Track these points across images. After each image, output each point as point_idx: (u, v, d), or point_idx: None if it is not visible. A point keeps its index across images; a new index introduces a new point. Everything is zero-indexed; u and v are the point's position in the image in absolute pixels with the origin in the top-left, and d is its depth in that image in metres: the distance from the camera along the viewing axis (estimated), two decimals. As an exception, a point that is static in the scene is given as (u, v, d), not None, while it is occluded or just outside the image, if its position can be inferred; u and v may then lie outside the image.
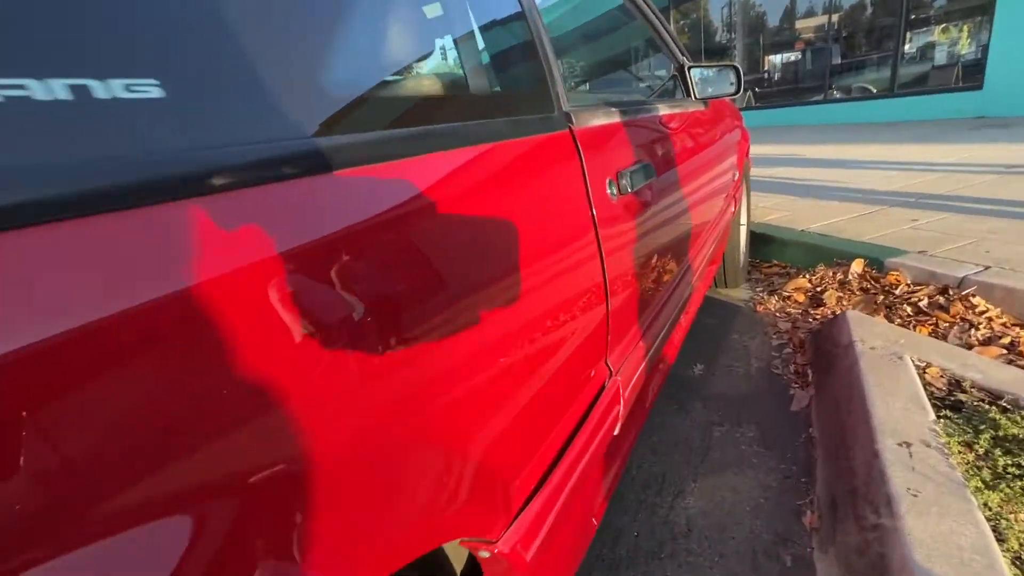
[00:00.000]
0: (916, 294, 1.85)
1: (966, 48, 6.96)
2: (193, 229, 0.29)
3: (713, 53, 10.13)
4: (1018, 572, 0.80)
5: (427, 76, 0.60)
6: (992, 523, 0.87)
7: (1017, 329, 1.58)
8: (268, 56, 0.38)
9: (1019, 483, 0.94)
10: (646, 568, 1.04)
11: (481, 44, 0.66)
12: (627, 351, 0.81)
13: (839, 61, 8.25)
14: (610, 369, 0.75)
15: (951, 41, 7.10)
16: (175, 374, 0.27)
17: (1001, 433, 1.05)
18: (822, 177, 3.83)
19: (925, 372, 1.31)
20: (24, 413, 0.22)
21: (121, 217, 0.27)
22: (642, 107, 1.10)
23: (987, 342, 1.56)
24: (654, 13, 1.53)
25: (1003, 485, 0.94)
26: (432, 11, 0.62)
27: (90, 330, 0.24)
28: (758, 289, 2.38)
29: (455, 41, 0.64)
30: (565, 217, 0.62)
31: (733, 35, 9.79)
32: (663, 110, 1.24)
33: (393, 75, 0.55)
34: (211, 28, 0.34)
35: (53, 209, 0.25)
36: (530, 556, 0.54)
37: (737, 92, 1.63)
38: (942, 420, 1.12)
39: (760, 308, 2.16)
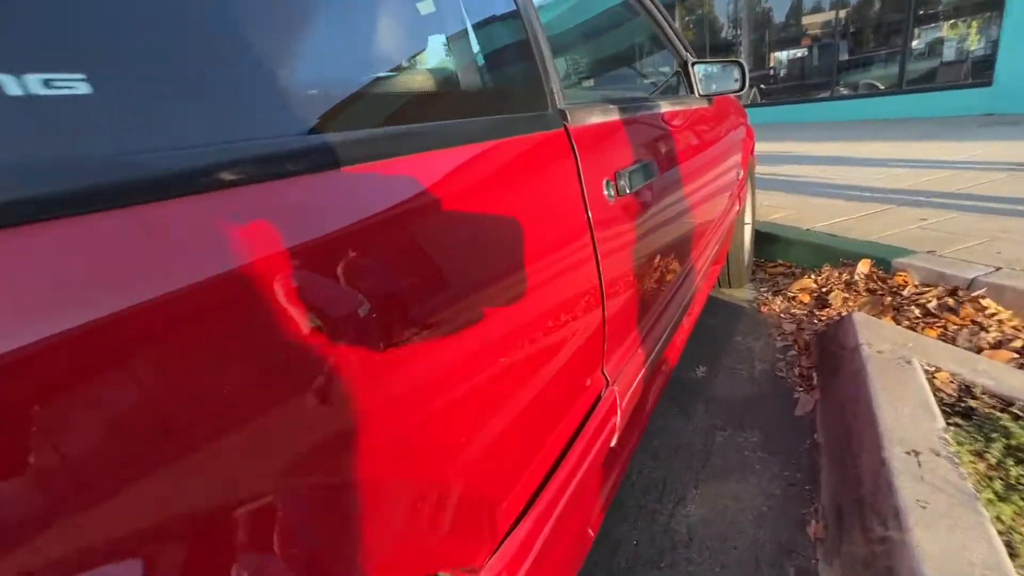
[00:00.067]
0: (924, 295, 1.81)
1: (975, 44, 6.86)
2: (185, 228, 0.29)
3: (718, 49, 10.04)
4: (1032, 589, 0.77)
5: (413, 72, 0.57)
6: (1005, 537, 0.84)
7: (1029, 332, 1.54)
8: (248, 54, 0.37)
9: (1032, 495, 0.91)
10: (645, 579, 1.02)
11: (471, 39, 0.63)
12: (625, 359, 0.78)
13: (846, 57, 8.15)
14: (607, 378, 0.72)
15: (960, 37, 7.01)
16: (174, 374, 0.27)
17: (1013, 442, 1.02)
18: (828, 175, 3.78)
19: (934, 377, 1.27)
20: (46, 412, 0.23)
21: (124, 215, 0.27)
22: (643, 104, 1.06)
23: (998, 345, 1.52)
24: (657, 8, 1.49)
25: (1016, 497, 0.91)
26: (420, 6, 0.59)
27: (92, 330, 0.24)
28: (762, 289, 2.34)
29: (443, 36, 0.61)
30: (558, 220, 0.59)
31: (739, 31, 9.70)
32: (665, 107, 1.21)
33: (375, 71, 0.52)
34: (208, 28, 0.35)
35: (57, 207, 0.25)
36: None
37: (742, 89, 1.60)
38: (952, 428, 1.09)
39: (764, 309, 2.12)
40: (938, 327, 1.66)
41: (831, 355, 1.60)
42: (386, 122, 0.47)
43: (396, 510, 0.42)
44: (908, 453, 1.02)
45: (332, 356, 0.35)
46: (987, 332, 1.57)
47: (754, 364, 1.75)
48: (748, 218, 2.45)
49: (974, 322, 1.63)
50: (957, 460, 0.99)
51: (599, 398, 0.70)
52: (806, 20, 8.75)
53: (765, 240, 2.63)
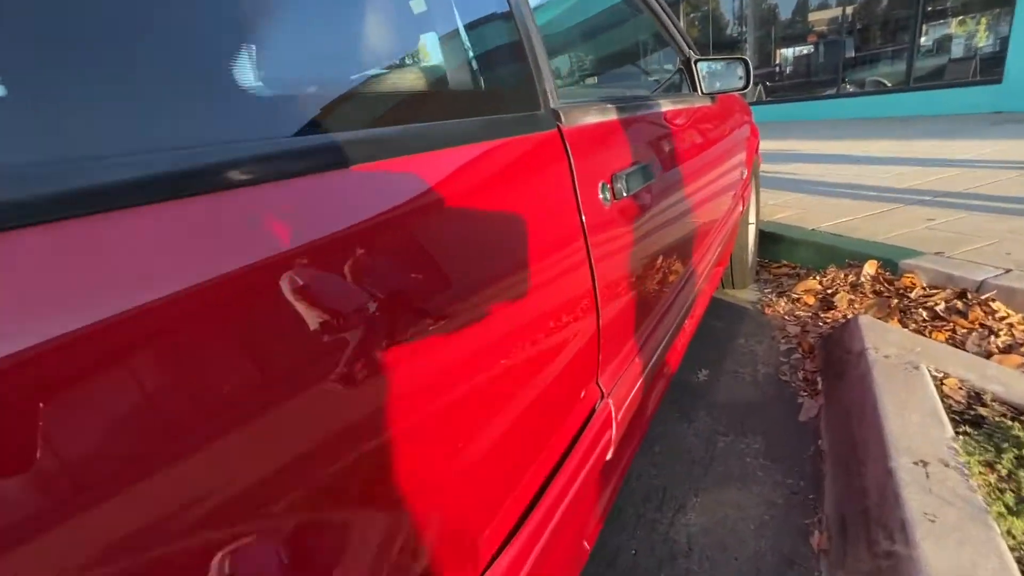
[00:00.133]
0: (932, 298, 1.77)
1: (984, 40, 6.77)
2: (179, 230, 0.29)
3: (723, 46, 9.96)
4: (1045, 609, 0.74)
5: (398, 72, 0.55)
6: (1016, 554, 0.81)
7: (1040, 336, 1.50)
8: (229, 55, 0.37)
9: (1045, 508, 0.88)
10: (643, 590, 0.99)
11: (459, 36, 0.60)
12: (621, 369, 0.75)
13: (853, 54, 8.06)
14: (601, 390, 0.69)
15: (969, 33, 6.92)
16: (177, 374, 0.27)
17: (1025, 452, 0.99)
18: (834, 174, 3.73)
19: (943, 383, 1.24)
20: (56, 414, 0.23)
21: (125, 215, 0.27)
22: (644, 103, 1.03)
23: (1008, 350, 1.49)
24: (660, 5, 1.46)
25: (1028, 510, 0.88)
26: (408, 3, 0.56)
27: (97, 331, 0.24)
28: (766, 290, 2.31)
29: (430, 34, 0.58)
30: (549, 226, 0.56)
31: (744, 28, 9.62)
32: (667, 106, 1.17)
33: (357, 70, 0.50)
34: (202, 28, 0.35)
35: (60, 206, 0.25)
36: None
37: (746, 87, 1.56)
38: (961, 437, 1.05)
39: (768, 310, 2.09)
40: (946, 330, 1.62)
41: (836, 359, 1.56)
42: (366, 124, 0.44)
43: (383, 527, 0.40)
44: (916, 463, 0.99)
45: (314, 367, 0.33)
46: (997, 336, 1.53)
47: (757, 367, 1.72)
48: (752, 218, 2.41)
49: (983, 325, 1.59)
50: (967, 471, 0.96)
51: (593, 411, 0.67)
52: (812, 17, 8.67)
53: (769, 240, 2.59)
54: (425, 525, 0.44)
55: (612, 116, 0.80)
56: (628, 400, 0.75)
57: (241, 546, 0.29)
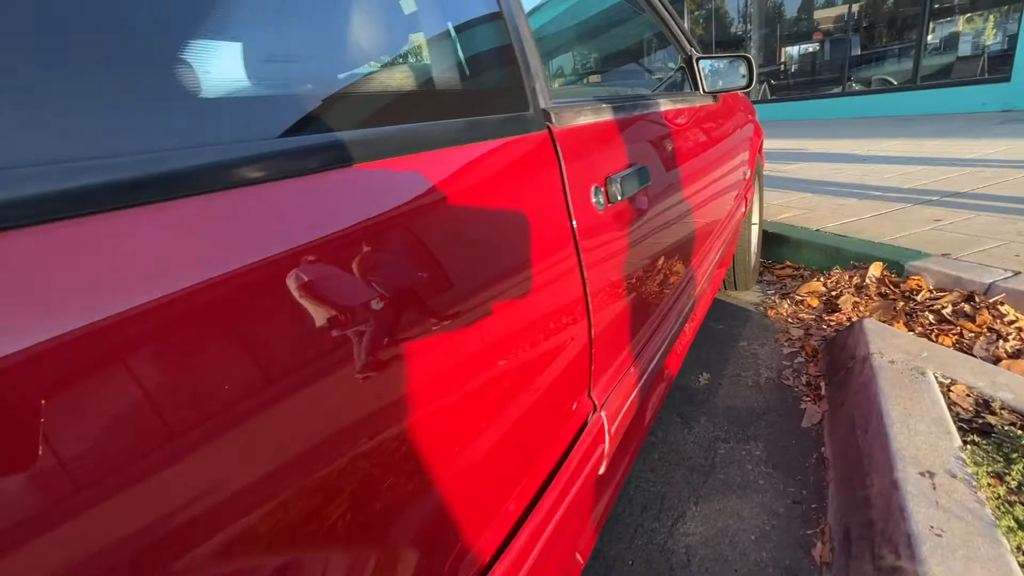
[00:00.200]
0: (939, 301, 1.74)
1: (992, 38, 6.69)
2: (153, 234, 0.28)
3: (728, 44, 9.90)
4: (1057, 630, 0.71)
5: (378, 71, 0.52)
6: (1027, 571, 0.78)
7: (1050, 341, 1.47)
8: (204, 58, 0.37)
9: (1057, 522, 0.85)
10: (640, 604, 0.97)
11: (440, 34, 0.57)
12: (615, 380, 0.72)
13: (858, 52, 7.99)
14: (594, 403, 0.67)
15: (977, 31, 6.84)
16: (178, 373, 0.27)
17: (1035, 463, 0.95)
18: (839, 173, 3.68)
19: (950, 390, 1.21)
20: (63, 414, 0.23)
21: (126, 215, 0.27)
22: (643, 103, 1.00)
23: (1016, 355, 1.45)
24: (661, 3, 1.42)
25: (1039, 525, 0.85)
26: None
27: (99, 331, 0.24)
28: (770, 292, 2.27)
29: (412, 31, 0.55)
30: (535, 233, 0.53)
31: (748, 26, 9.55)
32: (667, 105, 1.14)
33: (329, 69, 0.47)
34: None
35: (64, 205, 0.25)
36: None
37: (749, 85, 1.53)
38: (969, 446, 1.02)
39: (771, 313, 2.05)
40: (953, 334, 1.59)
41: (840, 364, 1.53)
42: (340, 127, 0.41)
43: (368, 541, 0.38)
44: (922, 474, 0.96)
45: (292, 375, 0.32)
46: (1005, 340, 1.50)
47: (759, 371, 1.69)
48: (755, 218, 2.38)
49: (991, 329, 1.56)
50: (975, 483, 0.93)
51: (585, 424, 0.64)
52: (818, 14, 8.59)
53: (773, 241, 2.56)
54: (408, 542, 0.42)
55: (608, 116, 0.77)
56: (622, 412, 0.72)
57: (233, 547, 0.29)
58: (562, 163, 0.60)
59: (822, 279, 2.16)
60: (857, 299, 1.92)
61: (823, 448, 1.29)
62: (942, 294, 1.77)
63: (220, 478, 0.29)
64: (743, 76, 1.54)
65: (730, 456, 1.32)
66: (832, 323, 1.86)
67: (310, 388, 0.33)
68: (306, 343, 0.33)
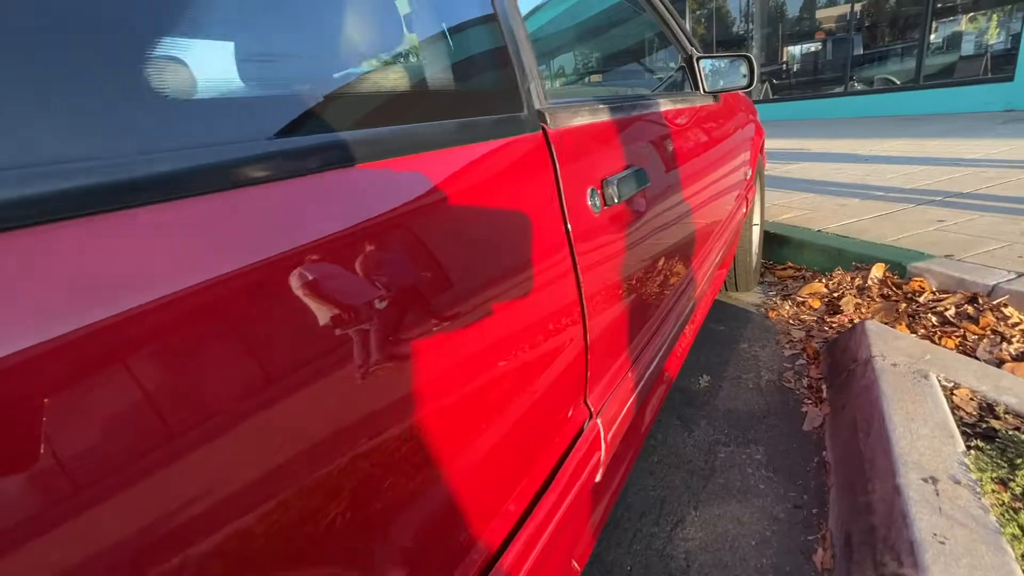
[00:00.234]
0: (942, 303, 1.72)
1: (995, 38, 6.66)
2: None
3: (730, 44, 9.87)
4: (1063, 641, 0.70)
5: (367, 71, 0.51)
6: (1032, 580, 0.76)
7: (1054, 344, 1.45)
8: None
9: (1062, 530, 0.83)
10: (638, 610, 0.95)
11: (431, 33, 0.56)
12: (611, 387, 0.71)
13: (861, 51, 7.95)
14: (590, 410, 0.65)
15: (980, 30, 6.80)
16: (180, 374, 0.27)
17: (1040, 469, 0.94)
18: (841, 173, 3.66)
19: (953, 394, 1.19)
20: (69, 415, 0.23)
21: (129, 216, 0.27)
22: (641, 103, 0.99)
23: (1020, 357, 1.43)
24: (662, 2, 1.41)
25: (1043, 532, 0.83)
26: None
27: (101, 332, 0.24)
28: (771, 293, 2.26)
29: (399, 29, 0.54)
30: (527, 237, 0.52)
31: (750, 25, 9.52)
32: (666, 105, 1.13)
33: (315, 70, 0.46)
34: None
35: (66, 206, 0.25)
36: None
37: (750, 85, 1.52)
38: (973, 452, 1.01)
39: (772, 314, 2.04)
40: (956, 336, 1.57)
41: (842, 366, 1.52)
42: (325, 128, 0.40)
43: (355, 556, 0.37)
44: (925, 480, 0.94)
45: (279, 383, 0.32)
46: (1009, 343, 1.48)
47: (760, 374, 1.67)
48: (757, 219, 2.36)
49: (995, 332, 1.54)
50: (978, 489, 0.92)
51: (581, 431, 0.63)
52: (820, 13, 8.56)
53: (774, 242, 2.54)
54: (400, 550, 0.41)
55: (605, 117, 0.76)
56: (619, 419, 0.71)
57: (229, 547, 0.29)
58: (556, 165, 0.59)
59: (824, 280, 2.14)
60: (859, 301, 1.91)
61: (824, 452, 1.28)
62: (945, 296, 1.76)
63: (219, 478, 0.29)
64: (744, 76, 1.53)
65: (730, 460, 1.30)
66: (834, 325, 1.84)
67: (293, 398, 0.32)
68: (290, 348, 0.32)
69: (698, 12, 10.35)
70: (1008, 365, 1.40)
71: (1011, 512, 0.88)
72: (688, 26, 10.47)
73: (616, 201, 0.68)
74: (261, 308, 0.31)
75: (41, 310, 0.23)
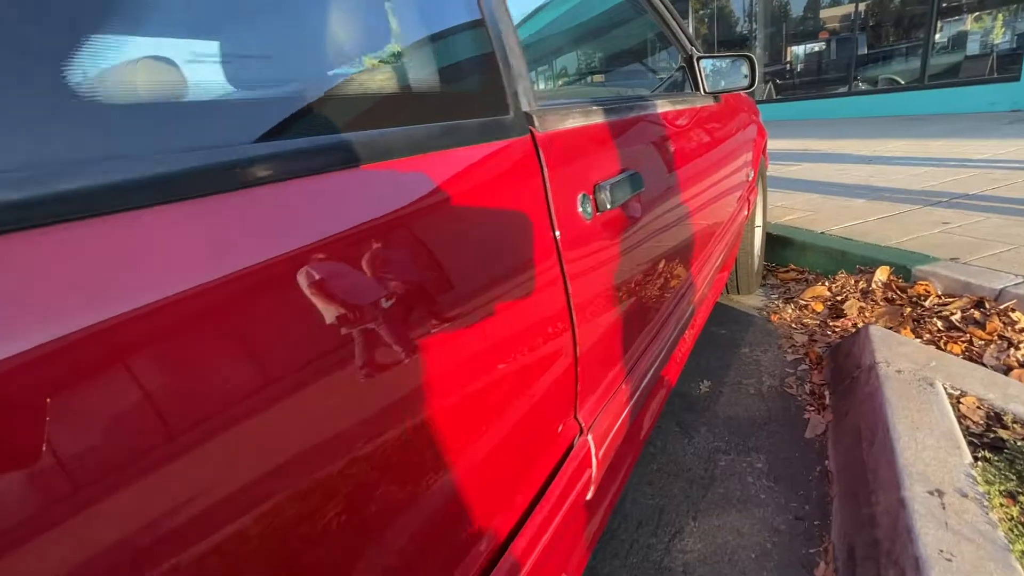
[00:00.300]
0: (948, 307, 1.69)
1: (1001, 37, 6.60)
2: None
3: (733, 44, 9.83)
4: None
5: (340, 71, 0.48)
6: (1042, 600, 0.73)
7: (1063, 350, 1.42)
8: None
9: (1073, 546, 0.80)
10: (634, 626, 0.93)
11: (408, 30, 0.53)
12: (604, 400, 0.68)
13: (865, 51, 7.90)
14: (580, 425, 0.63)
15: (985, 30, 6.75)
16: (174, 375, 0.27)
17: (1050, 482, 0.91)
18: (845, 174, 3.63)
19: (959, 402, 1.16)
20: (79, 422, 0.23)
21: (131, 217, 0.27)
22: (639, 104, 0.96)
23: (1029, 364, 1.40)
24: (661, 1, 1.38)
25: (1054, 549, 0.80)
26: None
27: (103, 332, 0.24)
28: (773, 296, 2.23)
29: (373, 26, 0.51)
30: (511, 246, 0.49)
31: (754, 25, 9.47)
32: (665, 107, 1.10)
33: (291, 68, 0.44)
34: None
35: (69, 208, 0.25)
36: None
37: (751, 86, 1.49)
38: (980, 463, 0.98)
39: (775, 318, 2.01)
40: (962, 342, 1.54)
41: (845, 372, 1.49)
42: (307, 132, 0.38)
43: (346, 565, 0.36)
44: (931, 493, 0.91)
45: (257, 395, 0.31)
46: (1017, 349, 1.45)
47: (762, 379, 1.64)
48: (759, 221, 2.33)
49: (1002, 337, 1.51)
50: (986, 503, 0.89)
51: (571, 447, 0.60)
52: (824, 13, 8.51)
53: (777, 243, 2.51)
54: (386, 570, 0.39)
55: (599, 119, 0.73)
56: (612, 433, 0.68)
57: (225, 549, 0.29)
58: (545, 170, 0.56)
59: (827, 283, 2.11)
60: (863, 304, 1.88)
61: (827, 461, 1.25)
62: (951, 300, 1.72)
63: (212, 480, 0.29)
64: (745, 76, 1.50)
65: (730, 468, 1.28)
66: (837, 329, 1.81)
67: (270, 411, 0.31)
68: (262, 359, 0.31)
69: (701, 12, 10.31)
70: (1016, 372, 1.37)
71: (1020, 527, 0.85)
72: (691, 26, 10.38)
73: (609, 207, 0.66)
74: (230, 319, 0.30)
75: (44, 312, 0.23)
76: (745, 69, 1.50)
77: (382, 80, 0.50)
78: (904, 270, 1.92)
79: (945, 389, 1.20)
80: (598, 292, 0.65)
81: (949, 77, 6.88)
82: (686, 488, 1.23)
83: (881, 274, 1.95)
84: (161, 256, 0.28)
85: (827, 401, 1.46)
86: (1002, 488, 0.92)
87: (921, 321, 1.68)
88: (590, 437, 0.63)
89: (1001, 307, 1.59)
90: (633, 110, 0.91)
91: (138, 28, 0.33)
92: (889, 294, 1.88)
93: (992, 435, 1.06)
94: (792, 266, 2.43)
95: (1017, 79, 5.97)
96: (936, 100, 6.72)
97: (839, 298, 1.97)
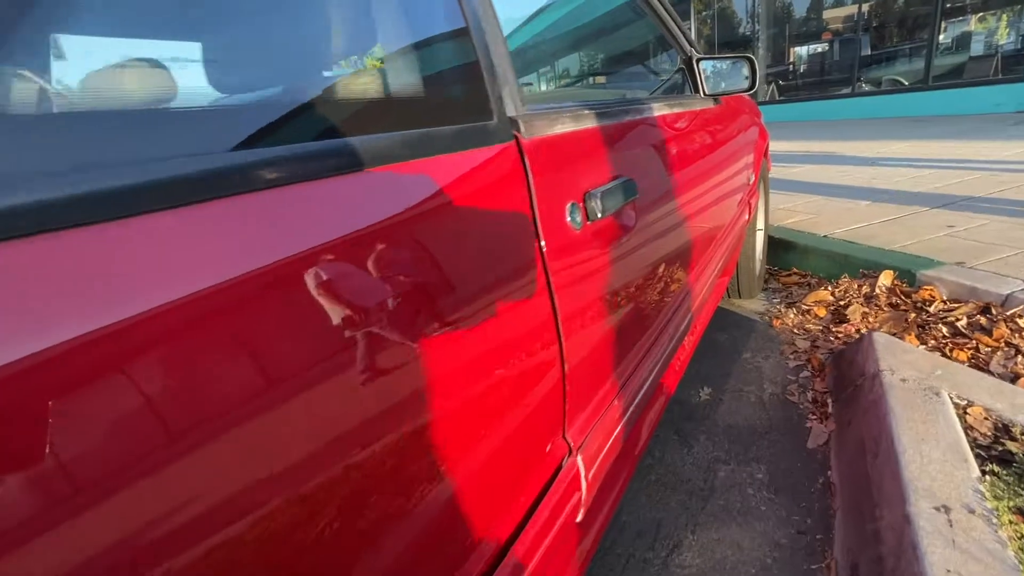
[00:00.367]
0: (953, 313, 1.65)
1: (1006, 38, 6.55)
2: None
3: (735, 45, 9.80)
4: None
5: (317, 75, 0.46)
6: (1055, 624, 0.70)
7: (1073, 358, 1.38)
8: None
9: (1086, 567, 0.77)
10: (630, 645, 0.90)
11: (384, 33, 0.51)
12: (595, 418, 0.65)
13: (868, 52, 7.86)
14: (569, 445, 0.60)
15: (989, 30, 6.70)
16: (173, 376, 0.27)
17: (1061, 497, 0.88)
18: (849, 176, 3.59)
19: (966, 412, 1.13)
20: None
21: (134, 220, 0.27)
22: (634, 107, 0.93)
23: (1037, 372, 1.37)
24: (660, 2, 1.36)
25: (1066, 569, 0.77)
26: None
27: (105, 335, 0.24)
28: (775, 301, 2.20)
29: (346, 28, 0.49)
30: (491, 258, 0.47)
31: (757, 26, 9.43)
32: (663, 110, 1.08)
33: (265, 74, 0.41)
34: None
35: (70, 212, 0.25)
36: None
37: (751, 88, 1.46)
38: (988, 477, 0.95)
39: (776, 323, 1.98)
40: (968, 349, 1.50)
41: (848, 380, 1.45)
42: (282, 140, 0.36)
43: None
44: (937, 508, 0.88)
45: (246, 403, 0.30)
46: (1025, 356, 1.42)
47: (763, 386, 1.61)
48: (761, 224, 2.30)
49: (1009, 344, 1.48)
50: (995, 520, 0.86)
51: (559, 469, 0.58)
52: (827, 14, 8.47)
53: (779, 247, 2.48)
54: None
55: (591, 124, 0.71)
56: (603, 452, 0.65)
57: (221, 552, 0.29)
58: (530, 177, 0.53)
59: (830, 288, 2.08)
60: (866, 309, 1.84)
61: (829, 472, 1.22)
62: (956, 305, 1.69)
63: (213, 484, 0.29)
64: (746, 78, 1.47)
65: (730, 479, 1.25)
66: (840, 335, 1.78)
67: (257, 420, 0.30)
68: (235, 374, 0.30)
69: (703, 13, 10.28)
70: (1023, 381, 1.34)
71: (1030, 546, 0.81)
72: (693, 27, 10.35)
73: (600, 216, 0.63)
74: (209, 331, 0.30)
75: (46, 315, 0.23)
76: (746, 70, 1.47)
77: (357, 85, 0.48)
78: (908, 274, 1.88)
79: (951, 399, 1.17)
80: (588, 305, 0.62)
81: (953, 78, 6.83)
82: (684, 500, 1.20)
83: (885, 278, 1.92)
84: (152, 263, 0.27)
85: (830, 410, 1.43)
86: (1011, 504, 0.88)
87: (926, 327, 1.64)
88: (579, 458, 0.60)
89: (1008, 313, 1.56)
90: (628, 114, 0.88)
91: (127, 33, 0.34)
92: (893, 299, 1.84)
93: (1000, 447, 1.03)
94: (795, 270, 2.40)
95: (1022, 80, 5.92)
96: (940, 101, 6.66)
97: (842, 303, 1.94)
